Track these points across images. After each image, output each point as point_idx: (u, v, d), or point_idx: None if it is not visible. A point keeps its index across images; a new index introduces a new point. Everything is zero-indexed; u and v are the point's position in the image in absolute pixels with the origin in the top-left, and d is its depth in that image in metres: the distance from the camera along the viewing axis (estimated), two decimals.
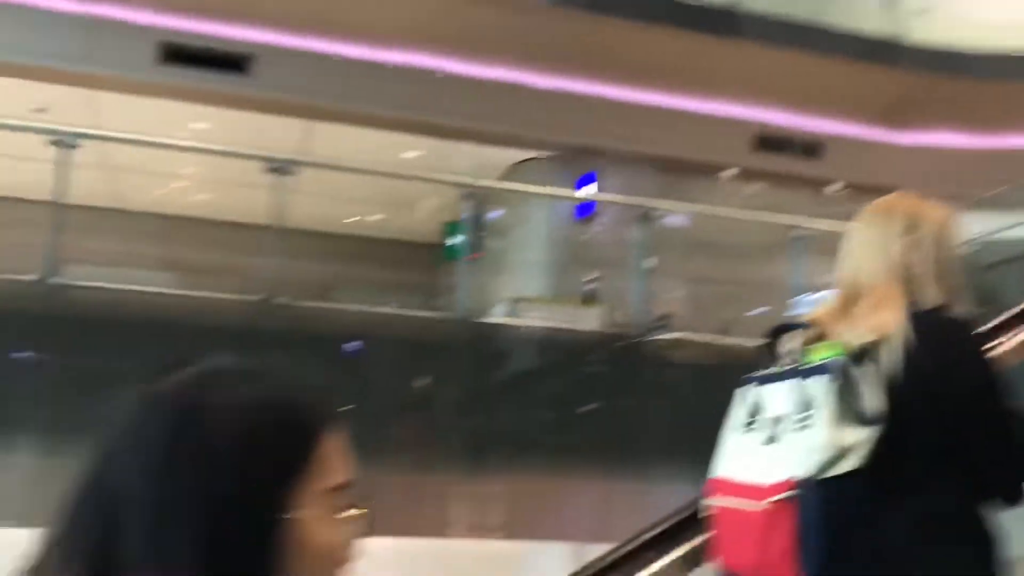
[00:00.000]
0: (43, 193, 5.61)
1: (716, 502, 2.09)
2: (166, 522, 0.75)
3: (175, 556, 0.74)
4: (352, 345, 5.93)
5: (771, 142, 10.03)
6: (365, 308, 5.95)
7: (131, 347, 5.65)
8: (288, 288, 10.25)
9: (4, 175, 9.66)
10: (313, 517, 0.80)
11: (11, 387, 5.06)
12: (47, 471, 5.30)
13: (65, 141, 5.21)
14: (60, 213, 5.32)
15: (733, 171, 9.80)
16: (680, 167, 9.72)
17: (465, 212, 6.23)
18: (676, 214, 8.26)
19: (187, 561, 0.74)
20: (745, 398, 2.14)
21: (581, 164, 9.75)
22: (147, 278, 10.65)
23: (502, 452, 5.70)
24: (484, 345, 5.99)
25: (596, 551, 3.55)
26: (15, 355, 5.22)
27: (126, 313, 5.69)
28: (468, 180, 6.21)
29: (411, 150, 9.90)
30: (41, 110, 8.73)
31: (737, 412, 2.15)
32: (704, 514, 2.18)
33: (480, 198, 10.66)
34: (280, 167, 5.51)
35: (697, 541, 2.59)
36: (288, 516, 0.78)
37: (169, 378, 0.82)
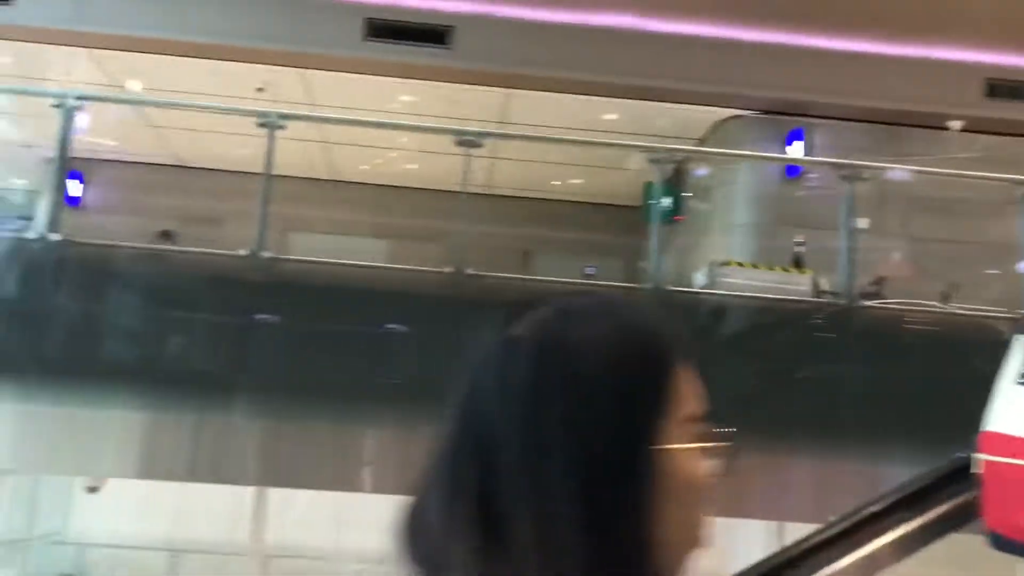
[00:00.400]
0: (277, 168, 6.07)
1: (989, 458, 1.91)
2: (540, 456, 0.76)
3: (551, 488, 0.75)
4: None
5: (1005, 88, 9.13)
6: (555, 278, 5.91)
7: (335, 313, 5.95)
8: (492, 252, 10.46)
9: (236, 151, 10.37)
10: (678, 447, 0.81)
11: (222, 351, 5.43)
12: (270, 432, 5.68)
13: (270, 122, 5.47)
14: (269, 190, 5.60)
15: (958, 122, 9.02)
16: (899, 120, 9.06)
17: (658, 177, 6.05)
18: (895, 171, 7.72)
19: (563, 490, 0.75)
20: (1021, 348, 1.94)
21: (789, 120, 9.28)
22: (360, 245, 11.20)
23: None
24: (680, 315, 5.84)
25: (798, 531, 3.39)
26: (229, 320, 5.59)
27: (330, 282, 5.97)
28: (657, 144, 6.01)
29: (611, 112, 9.76)
30: (261, 90, 9.27)
31: (1012, 362, 1.95)
32: (975, 471, 1.99)
33: (681, 159, 10.43)
34: (469, 139, 5.55)
35: (947, 506, 2.42)
36: (657, 446, 0.79)
37: (523, 319, 0.83)
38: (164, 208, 11.04)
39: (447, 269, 5.47)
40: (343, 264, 6.09)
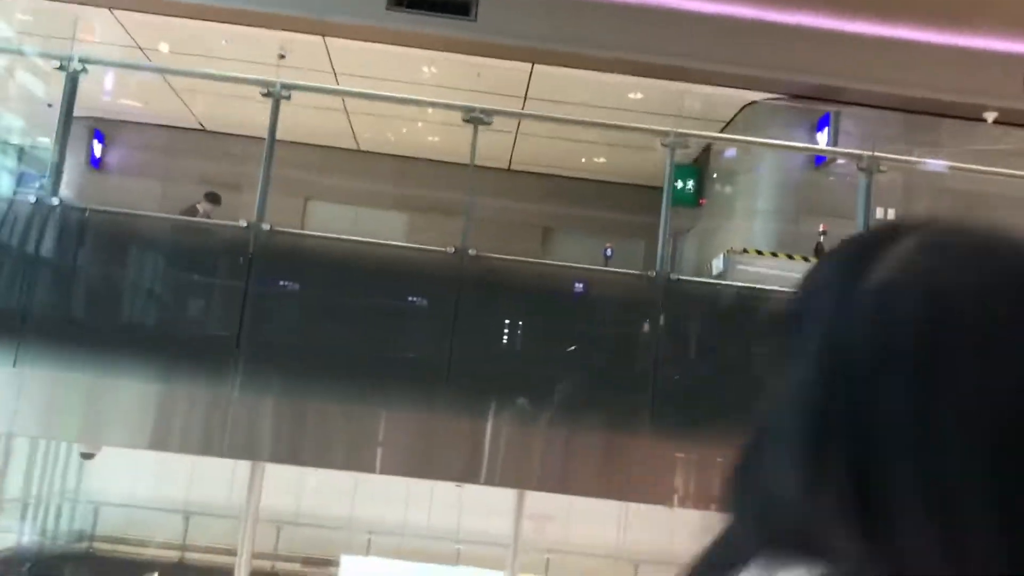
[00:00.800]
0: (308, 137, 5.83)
1: None
2: (941, 434, 0.62)
3: (956, 474, 0.61)
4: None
5: None
6: (561, 262, 5.77)
7: (341, 287, 5.88)
8: (511, 228, 10.32)
9: (257, 116, 10.31)
10: None
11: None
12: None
13: (275, 92, 5.38)
14: (270, 162, 5.51)
15: (992, 114, 8.71)
16: (933, 109, 8.77)
17: (670, 162, 5.89)
18: (925, 162, 7.48)
19: (973, 477, 0.61)
20: None
21: (819, 106, 9.03)
22: (380, 216, 11.13)
23: (710, 421, 5.39)
24: (683, 305, 5.68)
25: None
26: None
27: (336, 256, 5.90)
28: (670, 129, 5.83)
29: (636, 92, 9.56)
30: (283, 56, 9.18)
31: None
32: None
33: (703, 144, 10.21)
34: (477, 117, 5.42)
35: None
36: None
37: (879, 259, 0.67)
38: (184, 172, 11.03)
39: (449, 249, 5.35)
40: (344, 239, 6.01)
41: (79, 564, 11.44)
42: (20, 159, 11.94)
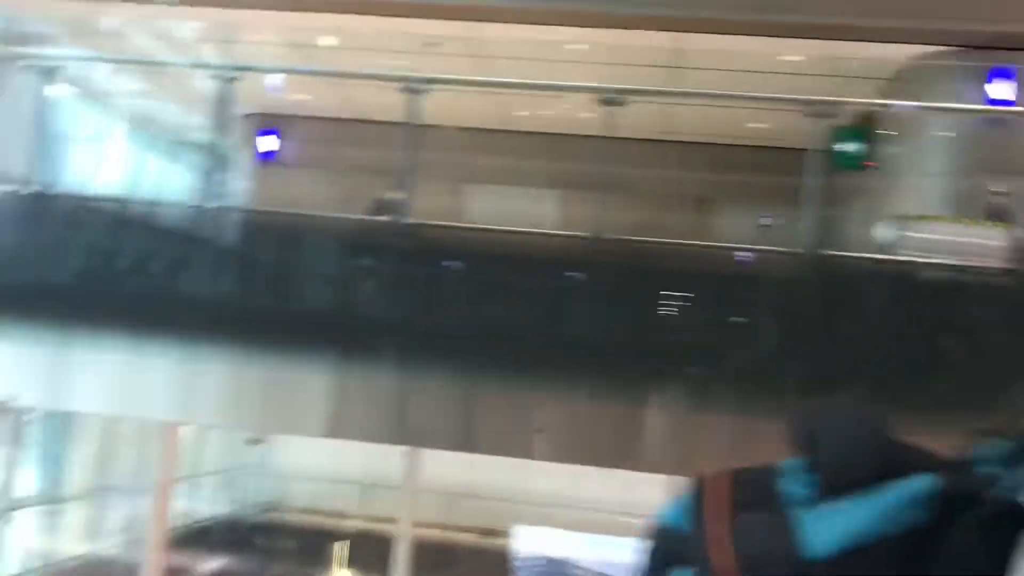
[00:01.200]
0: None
1: None
2: None
3: None
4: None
5: None
6: (697, 242, 5.67)
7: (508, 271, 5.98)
8: (663, 200, 10.17)
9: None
10: None
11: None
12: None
13: (412, 87, 5.51)
14: (413, 156, 5.66)
15: None
16: None
17: (814, 134, 5.63)
18: None
19: None
20: None
21: (990, 55, 8.38)
22: (532, 195, 11.22)
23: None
24: (835, 283, 5.45)
25: None
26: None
27: (477, 244, 6.02)
28: (813, 97, 5.57)
29: (789, 54, 9.17)
30: (429, 45, 9.37)
31: None
32: None
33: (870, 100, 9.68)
34: (612, 98, 5.38)
35: None
36: None
37: None
38: (351, 162, 11.42)
39: (585, 234, 5.36)
40: (486, 229, 6.11)
41: (269, 533, 12.25)
42: (206, 157, 12.74)
